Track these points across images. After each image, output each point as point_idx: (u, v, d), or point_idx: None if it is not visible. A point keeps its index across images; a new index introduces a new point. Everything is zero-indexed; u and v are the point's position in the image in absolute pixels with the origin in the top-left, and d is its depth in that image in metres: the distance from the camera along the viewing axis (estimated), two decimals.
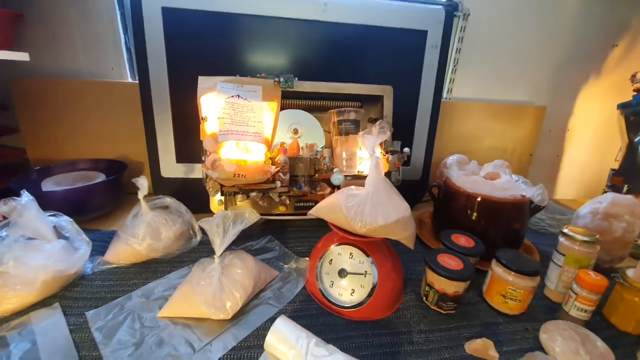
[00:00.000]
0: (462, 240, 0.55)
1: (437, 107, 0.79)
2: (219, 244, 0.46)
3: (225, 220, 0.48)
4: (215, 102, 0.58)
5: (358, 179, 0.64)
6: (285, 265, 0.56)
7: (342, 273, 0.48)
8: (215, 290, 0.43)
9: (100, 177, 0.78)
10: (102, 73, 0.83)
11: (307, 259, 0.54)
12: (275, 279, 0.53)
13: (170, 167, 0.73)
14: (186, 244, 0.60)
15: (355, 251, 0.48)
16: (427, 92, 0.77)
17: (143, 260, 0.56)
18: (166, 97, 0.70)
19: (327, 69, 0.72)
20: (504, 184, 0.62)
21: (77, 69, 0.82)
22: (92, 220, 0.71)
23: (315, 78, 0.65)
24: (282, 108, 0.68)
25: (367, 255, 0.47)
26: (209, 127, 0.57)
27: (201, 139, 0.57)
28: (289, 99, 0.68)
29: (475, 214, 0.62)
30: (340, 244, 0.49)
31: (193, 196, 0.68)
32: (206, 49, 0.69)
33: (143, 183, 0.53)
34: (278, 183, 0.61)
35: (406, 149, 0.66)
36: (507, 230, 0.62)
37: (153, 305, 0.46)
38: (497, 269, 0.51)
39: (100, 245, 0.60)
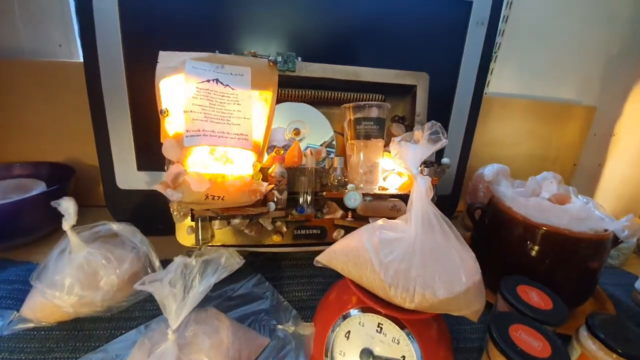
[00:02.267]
0: (534, 296, 0.38)
1: (478, 103, 0.62)
2: (174, 313, 0.29)
3: (186, 274, 0.30)
4: (182, 89, 0.40)
5: (381, 200, 0.47)
6: (280, 327, 0.39)
7: (365, 356, 0.31)
8: None
9: (41, 187, 0.60)
10: (47, 51, 0.64)
11: (311, 324, 0.37)
12: (264, 350, 0.36)
13: (130, 176, 0.55)
14: (140, 291, 0.43)
15: (387, 322, 0.31)
16: (467, 82, 0.60)
17: (72, 317, 0.38)
18: (121, 82, 0.51)
19: (340, 49, 0.54)
20: (579, 212, 0.46)
21: (16, 45, 0.63)
22: (24, 245, 0.53)
23: (325, 60, 0.47)
24: (279, 100, 0.50)
25: (403, 328, 0.30)
26: (172, 125, 0.39)
27: (161, 141, 0.40)
28: (288, 88, 0.50)
29: (536, 249, 0.46)
30: (362, 309, 0.32)
31: (160, 215, 0.50)
32: (177, 17, 0.51)
33: (67, 208, 0.36)
34: (272, 205, 0.43)
35: (446, 160, 0.50)
36: (581, 274, 0.46)
37: None
38: (590, 345, 0.34)
39: (23, 289, 0.42)
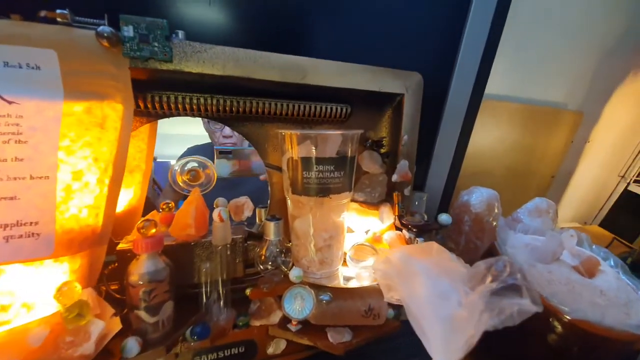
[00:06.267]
0: None
1: (475, 109, 0.46)
2: None
3: None
4: None
5: (347, 299, 0.28)
6: None
7: None
8: None
9: None
10: None
11: None
12: None
13: None
14: None
15: None
16: (464, 79, 0.42)
17: None
18: None
19: (271, 20, 0.31)
20: (617, 293, 0.32)
21: None
22: None
23: (239, 41, 0.24)
24: (155, 115, 0.26)
25: None
26: None
27: None
28: (170, 93, 0.25)
29: (555, 342, 0.32)
30: None
31: None
32: None
33: None
34: (132, 348, 0.21)
35: (445, 218, 0.32)
36: None
37: None
38: None
39: None
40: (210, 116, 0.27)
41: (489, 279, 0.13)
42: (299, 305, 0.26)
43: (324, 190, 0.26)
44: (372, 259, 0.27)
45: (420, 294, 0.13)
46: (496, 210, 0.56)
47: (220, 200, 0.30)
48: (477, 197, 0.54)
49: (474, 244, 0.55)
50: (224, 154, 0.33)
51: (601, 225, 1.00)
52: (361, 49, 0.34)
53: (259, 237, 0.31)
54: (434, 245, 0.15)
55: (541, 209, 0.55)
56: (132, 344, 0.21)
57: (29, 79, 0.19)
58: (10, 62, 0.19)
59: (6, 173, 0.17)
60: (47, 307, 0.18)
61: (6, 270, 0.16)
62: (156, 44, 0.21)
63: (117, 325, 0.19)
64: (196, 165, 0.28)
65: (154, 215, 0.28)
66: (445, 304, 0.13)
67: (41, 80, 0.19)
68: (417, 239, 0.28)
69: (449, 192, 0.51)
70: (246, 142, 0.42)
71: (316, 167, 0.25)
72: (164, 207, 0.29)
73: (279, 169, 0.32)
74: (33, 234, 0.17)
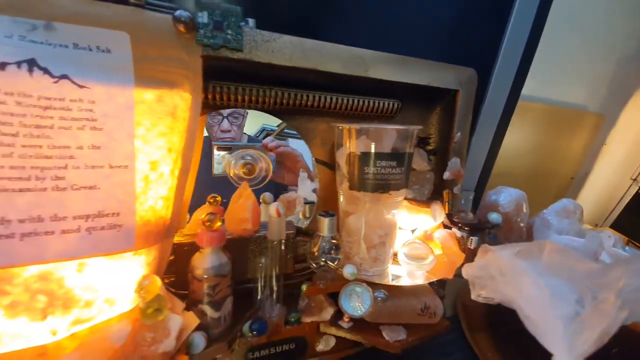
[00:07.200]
0: None
1: (512, 106, 0.45)
2: None
3: None
4: None
5: (402, 297, 0.28)
6: None
7: None
8: None
9: None
10: None
11: None
12: None
13: None
14: None
15: None
16: (504, 78, 0.42)
17: None
18: None
19: (329, 10, 0.30)
20: None
21: None
22: None
23: (301, 30, 0.23)
24: (211, 107, 0.25)
25: None
26: None
27: None
28: (227, 83, 0.25)
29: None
30: None
31: None
32: None
33: None
34: (199, 343, 0.21)
35: (495, 217, 0.31)
36: None
37: None
38: None
39: None
40: (266, 109, 0.26)
41: (627, 276, 0.13)
42: (356, 303, 0.25)
43: (384, 187, 0.25)
44: (431, 257, 0.27)
45: (532, 294, 0.13)
46: (524, 210, 0.56)
47: (266, 195, 0.29)
48: (506, 197, 0.54)
49: (502, 244, 0.56)
50: (223, 149, 0.33)
51: (612, 227, 1.00)
52: (407, 45, 0.34)
53: (306, 232, 0.30)
54: (546, 245, 0.15)
55: (569, 210, 0.55)
56: (199, 340, 0.21)
57: (99, 62, 0.18)
58: (79, 43, 0.18)
59: (84, 161, 0.16)
60: (124, 302, 0.17)
61: (89, 264, 0.15)
62: (229, 32, 0.20)
63: (193, 320, 0.19)
64: (247, 158, 0.27)
65: (206, 208, 0.27)
66: (561, 304, 0.12)
67: (112, 65, 0.18)
68: (471, 237, 0.28)
69: (479, 191, 0.51)
70: (245, 138, 0.39)
71: (377, 163, 0.25)
72: (211, 200, 0.29)
73: (327, 164, 0.31)
74: (115, 225, 0.16)
